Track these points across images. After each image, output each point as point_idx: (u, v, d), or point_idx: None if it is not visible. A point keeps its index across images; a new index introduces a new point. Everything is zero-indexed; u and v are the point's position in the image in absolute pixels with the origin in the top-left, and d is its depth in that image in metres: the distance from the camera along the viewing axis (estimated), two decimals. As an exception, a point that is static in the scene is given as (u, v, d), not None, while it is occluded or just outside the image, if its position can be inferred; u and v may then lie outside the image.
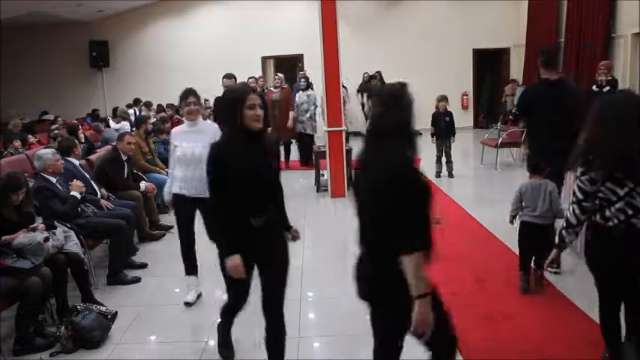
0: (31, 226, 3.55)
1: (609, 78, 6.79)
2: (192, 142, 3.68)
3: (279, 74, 9.09)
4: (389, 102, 1.96)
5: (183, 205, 3.81)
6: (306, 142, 8.96)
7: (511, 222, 3.98)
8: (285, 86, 8.89)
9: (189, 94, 3.77)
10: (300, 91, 9.03)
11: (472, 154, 9.63)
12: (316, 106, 8.92)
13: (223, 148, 2.48)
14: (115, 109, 10.46)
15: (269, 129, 7.28)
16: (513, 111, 4.84)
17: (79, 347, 3.33)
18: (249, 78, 7.79)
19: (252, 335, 3.25)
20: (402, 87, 2.00)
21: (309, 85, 9.08)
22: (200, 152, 3.56)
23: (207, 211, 3.56)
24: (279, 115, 8.43)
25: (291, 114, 8.53)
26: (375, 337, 2.27)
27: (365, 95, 11.23)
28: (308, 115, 8.76)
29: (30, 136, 8.33)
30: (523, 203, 3.82)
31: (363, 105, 11.44)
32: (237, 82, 6.09)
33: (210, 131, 3.63)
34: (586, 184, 2.39)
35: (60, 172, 4.29)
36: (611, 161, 2.29)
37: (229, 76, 6.17)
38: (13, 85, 11.94)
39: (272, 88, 8.67)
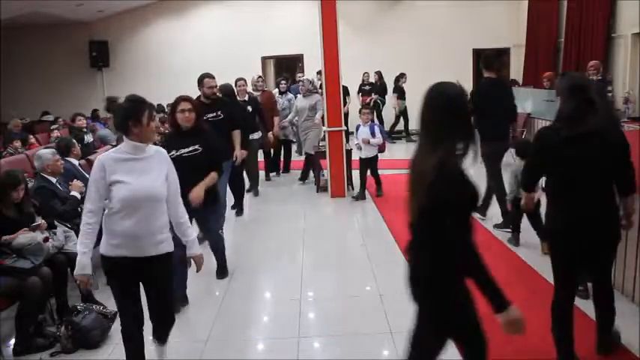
0: (33, 224, 3.55)
1: (599, 78, 6.85)
2: (144, 176, 2.54)
3: (261, 75, 8.40)
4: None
5: (122, 275, 2.60)
6: (287, 149, 8.41)
7: (512, 205, 4.79)
8: (267, 89, 8.24)
9: (151, 106, 2.63)
10: (278, 95, 8.43)
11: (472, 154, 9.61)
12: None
13: (458, 163, 1.86)
14: None
15: (259, 134, 6.85)
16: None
17: (79, 347, 3.33)
18: (238, 80, 6.80)
19: None
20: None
21: (289, 89, 8.52)
22: (159, 192, 2.58)
23: (161, 277, 2.69)
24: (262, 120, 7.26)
25: (276, 119, 7.66)
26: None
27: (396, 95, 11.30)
28: (288, 120, 7.97)
29: (30, 136, 8.33)
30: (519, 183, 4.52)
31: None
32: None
33: (160, 159, 2.65)
34: None
35: (60, 172, 4.29)
36: None
37: (212, 76, 5.27)
38: (14, 85, 11.95)
39: (252, 91, 7.44)
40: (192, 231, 2.85)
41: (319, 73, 10.39)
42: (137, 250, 2.55)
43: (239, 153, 5.50)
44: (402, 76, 11.41)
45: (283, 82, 8.62)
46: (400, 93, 11.34)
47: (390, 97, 11.71)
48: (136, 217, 2.51)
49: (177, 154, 3.76)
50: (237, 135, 5.48)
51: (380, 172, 6.79)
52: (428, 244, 1.90)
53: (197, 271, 2.91)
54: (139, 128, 2.51)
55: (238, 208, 6.37)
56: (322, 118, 7.13)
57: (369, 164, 6.60)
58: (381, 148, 6.62)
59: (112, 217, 2.54)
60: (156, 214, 2.57)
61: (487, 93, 5.14)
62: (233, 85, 6.47)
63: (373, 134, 6.43)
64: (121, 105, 2.58)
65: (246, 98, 6.77)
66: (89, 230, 2.52)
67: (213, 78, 5.27)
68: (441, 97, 1.94)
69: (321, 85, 10.09)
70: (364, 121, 6.55)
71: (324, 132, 6.84)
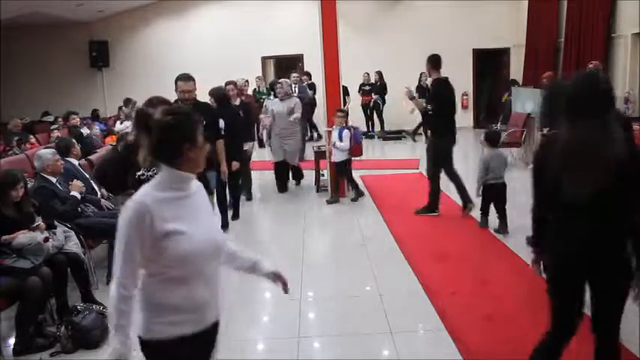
0: (33, 225, 3.55)
1: None
2: (200, 220, 1.82)
3: (247, 80, 7.31)
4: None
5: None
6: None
7: (479, 194, 5.18)
8: (249, 93, 7.55)
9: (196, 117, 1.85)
10: (273, 97, 7.64)
11: (472, 154, 9.62)
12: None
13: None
14: (120, 108, 10.50)
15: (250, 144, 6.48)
16: (429, 107, 5.64)
17: (79, 347, 3.33)
18: (228, 84, 6.27)
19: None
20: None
21: (271, 92, 7.72)
22: (222, 239, 1.96)
23: (212, 349, 1.95)
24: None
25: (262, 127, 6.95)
26: None
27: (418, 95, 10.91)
28: (267, 125, 7.11)
29: (31, 136, 8.35)
30: (489, 170, 5.05)
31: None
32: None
33: (203, 193, 1.94)
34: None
35: (60, 172, 4.29)
36: None
37: (188, 78, 4.63)
38: (13, 85, 11.95)
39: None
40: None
41: (305, 74, 10.12)
42: (201, 322, 1.82)
43: (224, 168, 5.08)
44: (422, 75, 10.96)
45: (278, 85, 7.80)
46: (422, 92, 10.97)
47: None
48: (201, 279, 1.79)
49: (148, 173, 3.11)
50: (220, 146, 4.97)
51: (382, 172, 6.77)
52: (613, 215, 2.12)
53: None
54: (194, 152, 1.78)
55: (234, 211, 6.03)
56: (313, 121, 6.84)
57: (339, 168, 6.51)
58: (356, 153, 6.48)
59: (163, 284, 1.76)
60: (217, 268, 1.90)
61: (440, 92, 5.58)
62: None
63: (341, 138, 6.34)
64: (164, 121, 1.75)
65: (238, 102, 6.31)
66: (126, 309, 1.71)
67: (189, 80, 4.58)
68: (604, 83, 2.20)
69: (310, 85, 9.97)
70: (336, 125, 6.41)
71: (324, 132, 6.82)
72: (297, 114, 6.95)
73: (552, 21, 10.69)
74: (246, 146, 6.22)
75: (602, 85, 2.16)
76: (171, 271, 1.74)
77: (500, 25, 12.31)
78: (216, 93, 5.73)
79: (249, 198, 6.92)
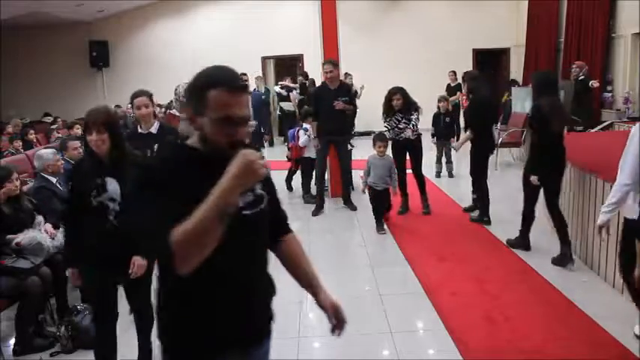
0: (33, 223, 3.56)
1: (582, 77, 7.01)
2: None
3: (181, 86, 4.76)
4: None
5: None
6: None
7: (364, 191, 5.47)
8: (179, 114, 5.04)
9: None
10: None
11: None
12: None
13: None
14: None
15: None
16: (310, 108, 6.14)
17: (78, 347, 3.33)
18: (136, 97, 3.62)
19: None
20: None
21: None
22: None
23: None
24: None
25: None
26: None
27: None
28: None
29: (31, 130, 8.39)
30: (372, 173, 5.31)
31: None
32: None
33: None
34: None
35: (60, 172, 4.29)
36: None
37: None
38: (13, 85, 11.96)
39: (174, 111, 4.90)
40: None
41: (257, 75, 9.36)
42: None
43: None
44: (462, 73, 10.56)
45: None
46: (450, 91, 10.09)
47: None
48: None
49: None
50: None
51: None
52: None
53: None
54: None
55: None
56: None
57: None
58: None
59: None
60: None
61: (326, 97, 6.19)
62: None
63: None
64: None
65: (155, 129, 3.59)
66: None
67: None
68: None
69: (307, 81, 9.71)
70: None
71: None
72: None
73: (552, 21, 10.70)
74: None
75: None
76: None
77: (500, 25, 12.32)
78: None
79: None
